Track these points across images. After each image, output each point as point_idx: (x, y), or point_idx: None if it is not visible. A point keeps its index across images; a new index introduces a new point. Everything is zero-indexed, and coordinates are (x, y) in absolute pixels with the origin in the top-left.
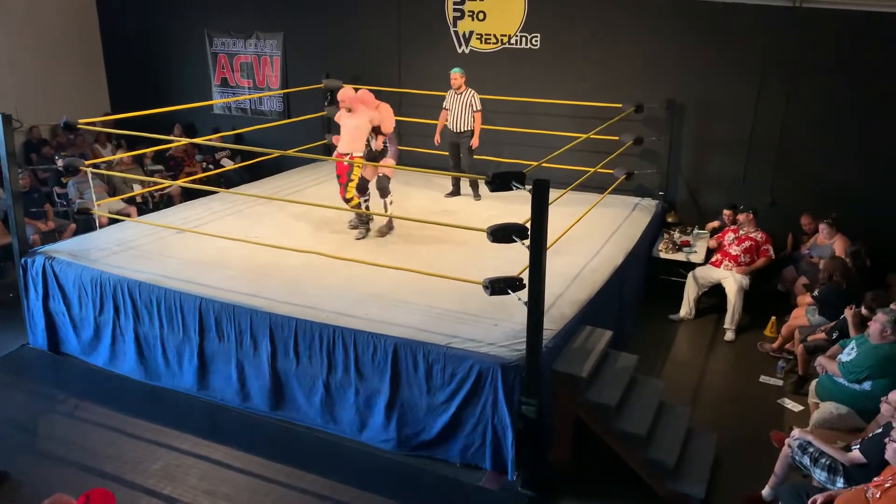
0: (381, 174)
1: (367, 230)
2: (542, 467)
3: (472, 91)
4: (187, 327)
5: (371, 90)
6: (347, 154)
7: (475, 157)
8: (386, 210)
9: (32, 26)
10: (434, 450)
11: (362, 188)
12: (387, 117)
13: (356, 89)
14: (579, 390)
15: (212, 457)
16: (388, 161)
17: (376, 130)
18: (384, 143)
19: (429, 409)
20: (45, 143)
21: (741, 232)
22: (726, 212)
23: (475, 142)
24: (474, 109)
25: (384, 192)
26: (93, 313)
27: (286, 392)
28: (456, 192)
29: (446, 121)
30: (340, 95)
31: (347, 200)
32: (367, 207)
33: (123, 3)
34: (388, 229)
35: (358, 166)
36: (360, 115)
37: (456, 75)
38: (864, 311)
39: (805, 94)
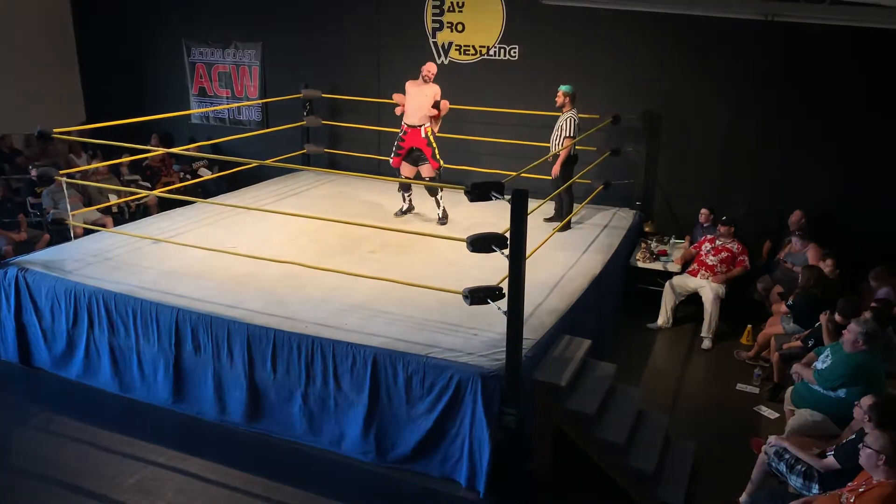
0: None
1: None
2: (522, 476)
3: (572, 112)
4: (163, 339)
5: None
6: (420, 126)
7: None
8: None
9: (5, 33)
10: (414, 461)
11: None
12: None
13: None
14: (559, 399)
15: (188, 470)
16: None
17: (435, 105)
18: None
19: (408, 420)
20: (18, 152)
21: (718, 242)
22: (704, 211)
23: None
24: (565, 135)
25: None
26: (66, 325)
27: (264, 404)
28: (557, 216)
29: None
30: (426, 66)
31: (435, 169)
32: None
33: (99, 11)
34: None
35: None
36: (430, 89)
37: (560, 93)
38: (837, 317)
39: (778, 104)
